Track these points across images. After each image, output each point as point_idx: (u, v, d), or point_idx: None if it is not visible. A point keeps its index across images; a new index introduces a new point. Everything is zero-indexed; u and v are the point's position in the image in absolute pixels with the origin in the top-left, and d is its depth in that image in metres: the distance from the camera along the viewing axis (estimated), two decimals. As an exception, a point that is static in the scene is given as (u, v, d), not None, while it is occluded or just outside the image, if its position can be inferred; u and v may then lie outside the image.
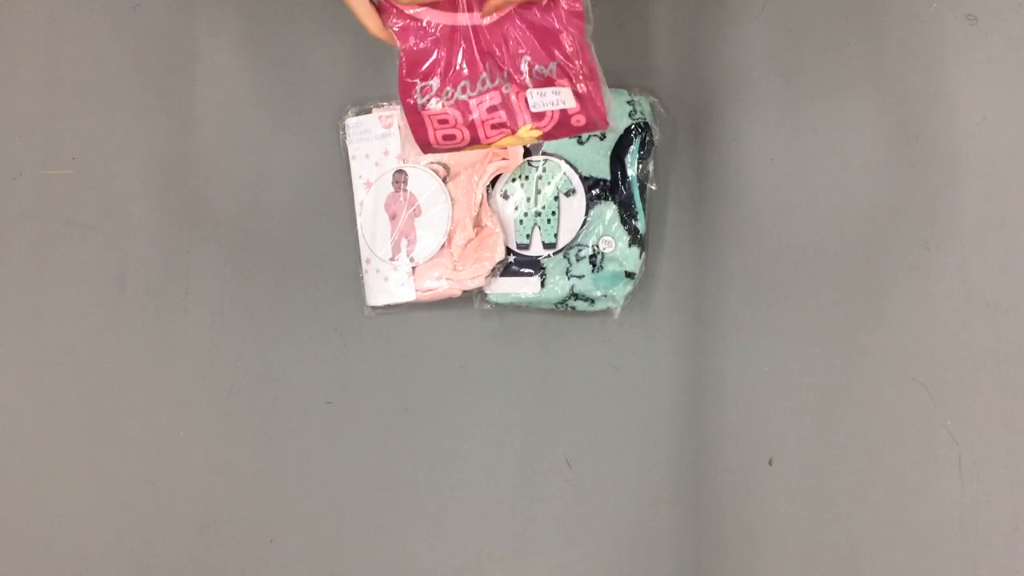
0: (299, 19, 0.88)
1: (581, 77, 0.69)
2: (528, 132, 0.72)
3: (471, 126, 0.72)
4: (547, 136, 0.73)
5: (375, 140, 0.84)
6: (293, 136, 0.87)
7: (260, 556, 0.85)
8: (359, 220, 0.85)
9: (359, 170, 0.85)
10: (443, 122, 0.72)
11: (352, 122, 0.85)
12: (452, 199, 0.83)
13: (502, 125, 0.72)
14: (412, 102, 0.72)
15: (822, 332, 0.83)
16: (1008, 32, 0.83)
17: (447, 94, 0.71)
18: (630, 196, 0.83)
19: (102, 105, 0.88)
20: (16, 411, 0.87)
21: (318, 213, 0.87)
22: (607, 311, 0.84)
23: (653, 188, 0.84)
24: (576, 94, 0.70)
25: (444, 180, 0.83)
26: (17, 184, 0.88)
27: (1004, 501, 0.82)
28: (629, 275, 0.82)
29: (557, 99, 0.70)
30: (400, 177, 0.84)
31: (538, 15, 0.69)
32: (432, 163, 0.84)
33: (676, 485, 0.84)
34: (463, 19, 0.70)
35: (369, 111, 0.85)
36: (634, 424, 0.84)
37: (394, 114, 0.84)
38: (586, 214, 0.83)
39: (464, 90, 0.71)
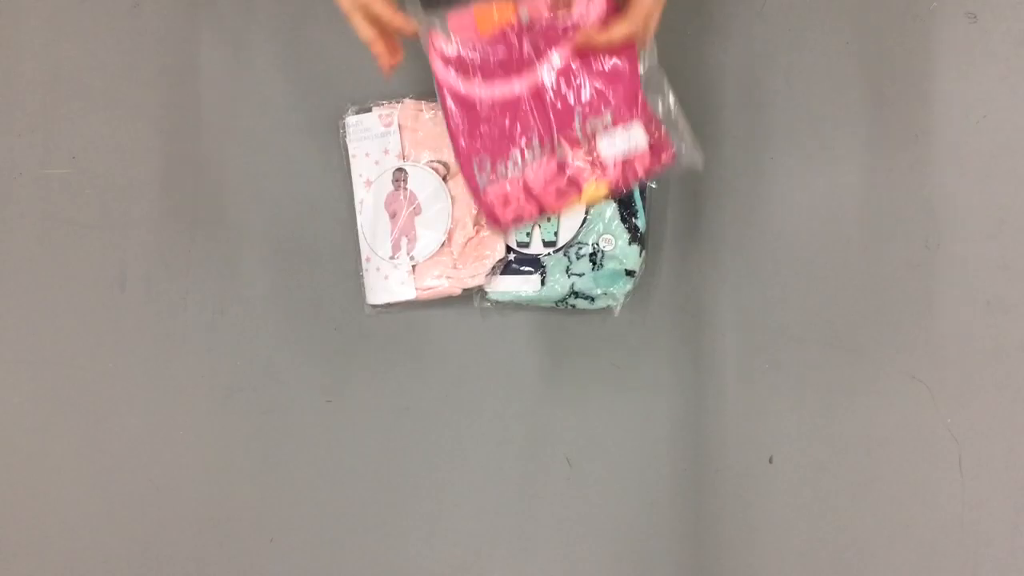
0: (299, 19, 0.88)
1: (640, 114, 0.68)
2: (594, 189, 0.70)
3: (535, 199, 0.70)
4: (614, 187, 0.70)
5: (375, 139, 0.84)
6: (293, 136, 0.87)
7: (260, 556, 0.85)
8: (359, 219, 0.85)
9: (359, 169, 0.85)
10: (507, 203, 0.71)
11: (352, 121, 0.85)
12: (452, 197, 0.83)
13: (569, 187, 0.69)
14: (475, 185, 0.71)
15: (822, 332, 0.83)
16: (1008, 31, 0.83)
17: (500, 171, 0.70)
18: (630, 194, 0.83)
19: (102, 105, 0.88)
20: (16, 411, 0.87)
21: (318, 212, 0.87)
22: (607, 309, 0.84)
23: (653, 187, 0.84)
24: (646, 129, 0.68)
25: (444, 178, 0.83)
26: (17, 184, 0.88)
27: (1004, 501, 0.82)
28: (629, 273, 0.82)
29: (628, 137, 0.68)
30: (400, 175, 0.84)
31: (593, 62, 0.68)
32: (432, 161, 0.84)
33: (676, 485, 0.84)
34: (518, 87, 0.69)
35: (369, 110, 0.85)
36: (634, 424, 0.84)
37: (394, 112, 0.84)
38: (586, 212, 0.83)
39: (516, 164, 0.70)
